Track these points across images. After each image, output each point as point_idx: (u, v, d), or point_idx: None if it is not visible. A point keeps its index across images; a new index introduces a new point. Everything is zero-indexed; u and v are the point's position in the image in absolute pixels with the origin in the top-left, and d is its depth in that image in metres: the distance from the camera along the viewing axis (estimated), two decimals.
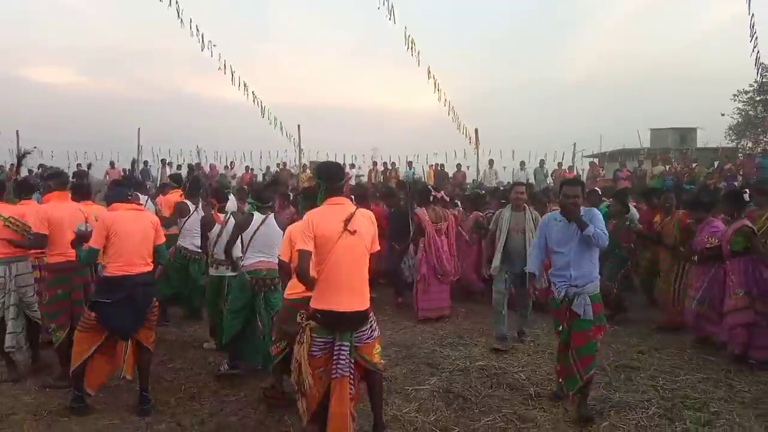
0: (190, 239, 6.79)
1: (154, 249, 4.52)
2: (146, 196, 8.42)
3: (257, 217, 5.10)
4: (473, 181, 20.20)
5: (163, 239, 4.69)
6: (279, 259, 4.40)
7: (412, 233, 7.70)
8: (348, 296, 3.42)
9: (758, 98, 29.35)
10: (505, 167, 21.33)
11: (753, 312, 5.37)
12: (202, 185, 8.29)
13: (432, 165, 22.32)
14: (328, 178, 3.59)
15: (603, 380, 5.00)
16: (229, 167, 22.07)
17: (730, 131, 32.19)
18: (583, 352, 4.20)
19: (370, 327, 3.58)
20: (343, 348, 3.39)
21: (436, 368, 5.37)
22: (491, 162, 20.69)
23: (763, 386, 4.83)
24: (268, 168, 23.53)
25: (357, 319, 3.47)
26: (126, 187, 4.77)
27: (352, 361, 3.44)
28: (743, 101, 31.33)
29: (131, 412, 4.35)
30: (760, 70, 14.55)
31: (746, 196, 5.93)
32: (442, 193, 8.50)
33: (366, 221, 3.58)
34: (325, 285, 3.42)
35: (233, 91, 16.28)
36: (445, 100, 15.27)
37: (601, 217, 4.36)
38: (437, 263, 7.34)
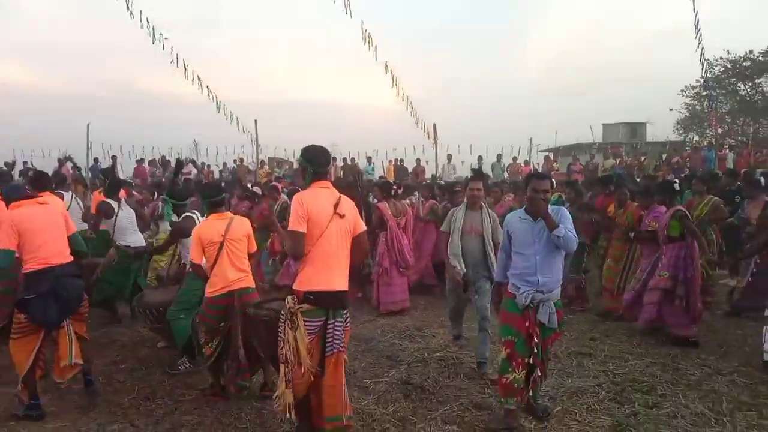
0: (125, 237, 6.67)
1: (69, 239, 4.44)
2: (70, 193, 8.23)
3: (196, 218, 5.11)
4: (432, 176, 20.37)
5: (74, 229, 4.60)
6: (191, 262, 4.49)
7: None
8: (339, 276, 3.49)
9: (704, 93, 30.50)
10: (463, 162, 21.66)
11: (667, 293, 5.80)
12: (122, 183, 8.17)
13: (391, 160, 22.44)
14: (315, 162, 3.59)
15: (556, 367, 5.13)
16: (184, 164, 21.55)
17: (678, 126, 33.49)
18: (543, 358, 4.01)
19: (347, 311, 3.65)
20: (337, 324, 3.46)
21: (395, 361, 5.41)
22: (449, 157, 20.94)
23: (707, 369, 5.05)
24: (225, 164, 23.22)
25: (345, 298, 3.54)
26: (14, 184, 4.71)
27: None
28: (690, 96, 32.62)
29: (82, 414, 4.24)
30: (704, 65, 15.13)
31: (676, 185, 6.35)
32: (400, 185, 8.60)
33: (350, 206, 3.65)
34: (317, 266, 3.43)
35: (187, 86, 15.97)
36: (403, 95, 15.34)
37: (570, 217, 3.98)
38: (399, 257, 7.41)
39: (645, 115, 33.47)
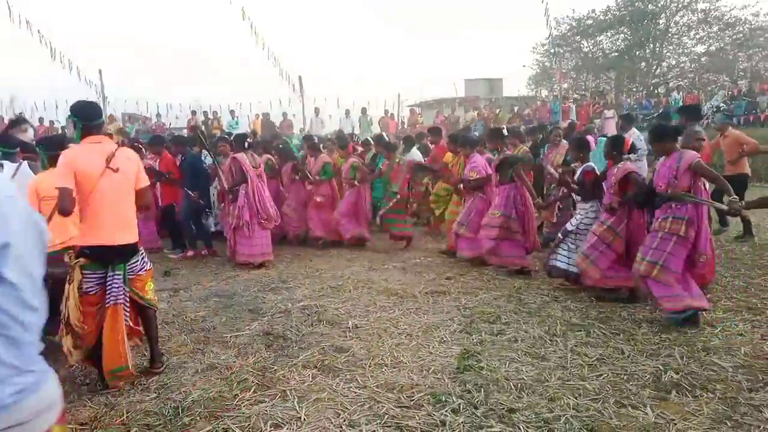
0: None
1: None
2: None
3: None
4: (300, 130, 20.03)
5: None
6: None
7: (223, 181, 7.50)
8: (117, 230, 3.65)
9: (552, 51, 32.87)
10: (330, 116, 21.53)
11: (503, 230, 6.46)
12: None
13: (258, 115, 21.68)
14: (85, 117, 3.67)
15: (414, 306, 5.39)
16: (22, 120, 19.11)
17: (530, 81, 35.90)
18: None
19: (141, 259, 3.88)
20: (116, 277, 3.67)
21: (257, 313, 5.34)
22: (317, 110, 20.66)
23: (545, 297, 5.58)
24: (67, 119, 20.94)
25: (128, 252, 3.75)
26: None
27: (127, 290, 3.74)
28: (540, 53, 34.97)
29: None
30: (551, 24, 16.17)
31: (504, 131, 7.36)
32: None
33: (126, 160, 3.75)
34: (92, 222, 3.59)
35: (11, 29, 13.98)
36: (263, 44, 14.72)
37: None
38: (260, 208, 7.28)
39: (502, 72, 35.35)
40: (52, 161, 4.30)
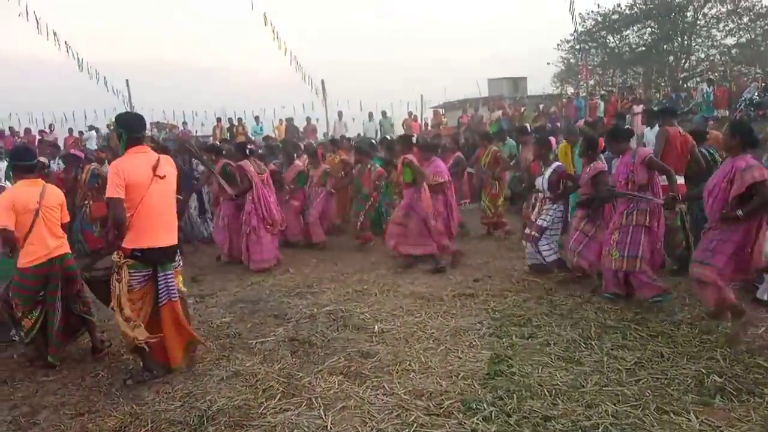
0: None
1: None
2: None
3: None
4: (324, 134, 20.04)
5: None
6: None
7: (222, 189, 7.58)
8: (165, 233, 3.93)
9: (577, 47, 32.37)
10: (354, 119, 21.49)
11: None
12: None
13: (282, 120, 21.74)
14: (129, 129, 3.89)
15: (441, 309, 5.26)
16: (48, 131, 19.55)
17: (555, 79, 35.36)
18: None
19: (179, 258, 4.23)
20: (168, 276, 3.95)
21: (282, 319, 5.28)
22: (340, 114, 20.65)
23: (578, 299, 5.39)
24: (97, 129, 21.28)
25: (173, 252, 4.04)
26: None
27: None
28: (565, 50, 34.44)
29: None
30: (576, 19, 15.89)
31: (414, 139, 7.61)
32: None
33: (170, 167, 4.05)
34: (142, 226, 3.79)
35: (45, 44, 14.28)
36: (286, 48, 14.76)
37: None
38: (266, 214, 7.37)
39: (525, 71, 34.96)
40: (21, 172, 4.35)
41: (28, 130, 19.53)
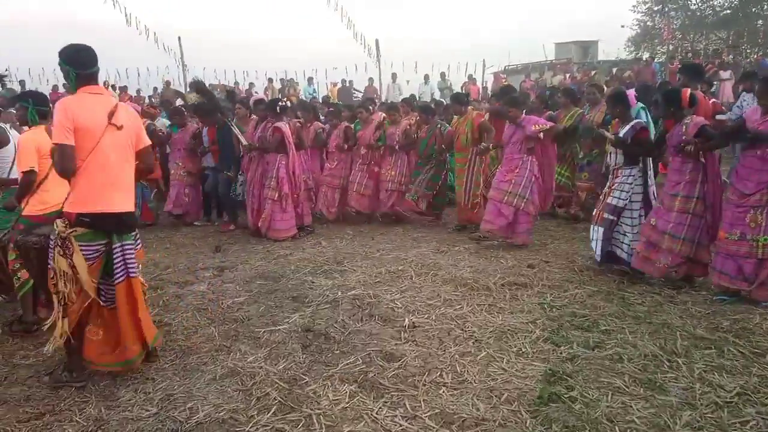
0: None
1: None
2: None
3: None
4: (377, 97, 19.14)
5: None
6: (26, 171, 3.80)
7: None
8: (121, 196, 3.15)
9: (656, 8, 29.72)
10: (408, 81, 20.44)
11: None
12: None
13: (336, 83, 20.95)
14: (78, 63, 3.09)
15: (486, 301, 4.41)
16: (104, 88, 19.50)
17: (629, 43, 32.74)
18: None
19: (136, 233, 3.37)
20: (126, 248, 3.18)
21: (301, 302, 4.57)
22: (394, 76, 19.69)
23: (657, 296, 4.41)
24: (155, 89, 21.16)
25: (130, 221, 3.26)
26: None
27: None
28: (642, 12, 31.71)
29: None
30: None
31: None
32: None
33: (129, 115, 3.24)
34: (92, 185, 3.04)
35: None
36: (337, 4, 13.83)
37: None
38: (297, 182, 6.80)
39: (596, 34, 32.58)
40: (42, 117, 4.06)
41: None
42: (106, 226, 3.11)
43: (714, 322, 3.88)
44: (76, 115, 2.96)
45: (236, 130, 6.94)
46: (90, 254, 3.09)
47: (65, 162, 2.94)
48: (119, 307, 3.18)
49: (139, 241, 3.42)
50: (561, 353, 3.46)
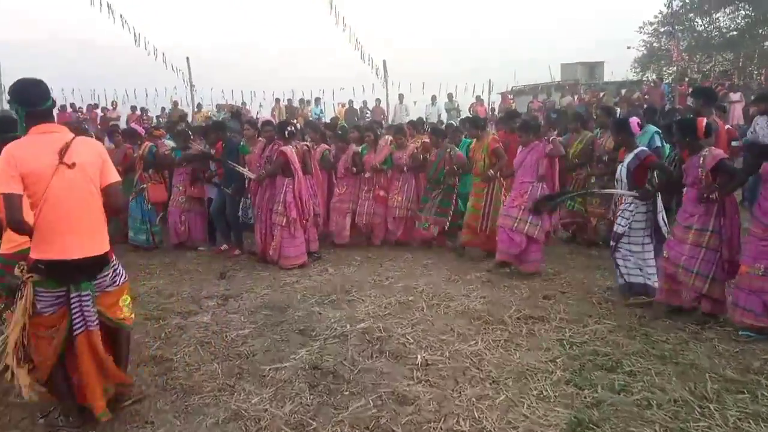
0: None
1: None
2: None
3: None
4: (383, 118, 19.09)
5: None
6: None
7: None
8: (77, 240, 2.91)
9: (662, 29, 29.75)
10: (415, 102, 20.42)
11: None
12: None
13: (343, 104, 20.93)
14: (27, 101, 2.88)
15: (503, 336, 4.22)
16: (112, 107, 19.62)
17: (636, 64, 32.72)
18: None
19: (114, 272, 3.13)
20: (83, 298, 2.96)
21: (308, 336, 4.39)
22: (401, 97, 19.67)
23: (681, 333, 4.20)
24: (163, 109, 21.19)
25: (93, 266, 3.00)
26: None
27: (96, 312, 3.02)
28: (648, 33, 31.75)
29: None
30: None
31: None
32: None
33: (89, 150, 2.98)
34: (44, 231, 2.85)
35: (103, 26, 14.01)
36: (344, 24, 13.86)
37: None
38: (305, 207, 6.58)
39: (602, 55, 32.62)
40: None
41: (94, 106, 19.72)
42: (61, 275, 2.90)
43: (743, 362, 3.67)
44: (20, 160, 2.75)
45: (239, 168, 6.83)
46: (50, 301, 2.92)
47: (13, 212, 2.73)
48: (81, 361, 2.99)
49: (123, 275, 3.22)
50: (585, 397, 3.26)
